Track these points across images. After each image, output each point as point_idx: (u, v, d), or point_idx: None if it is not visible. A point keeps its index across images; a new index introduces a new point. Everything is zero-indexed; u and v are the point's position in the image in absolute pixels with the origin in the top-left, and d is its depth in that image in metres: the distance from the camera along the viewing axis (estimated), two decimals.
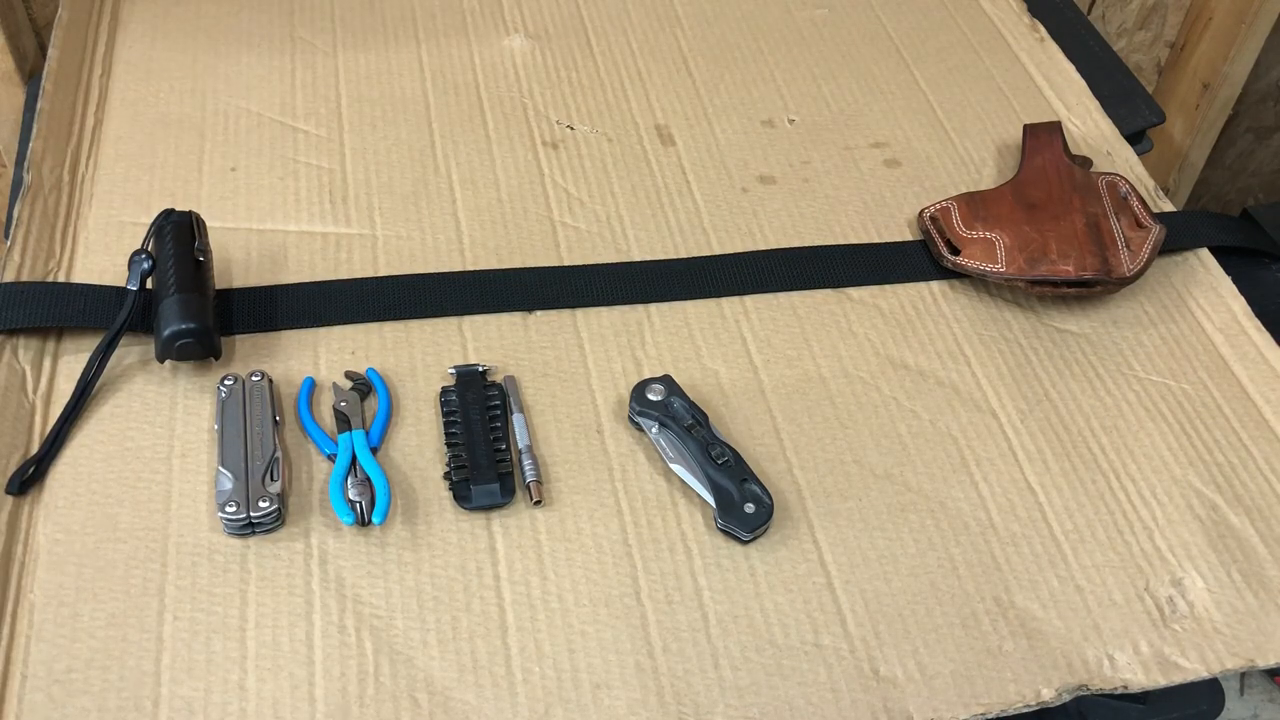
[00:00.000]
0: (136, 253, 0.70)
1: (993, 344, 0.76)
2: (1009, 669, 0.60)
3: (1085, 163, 0.86)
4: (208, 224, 0.76)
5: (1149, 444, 0.71)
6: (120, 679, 0.56)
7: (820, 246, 0.81)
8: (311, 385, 0.69)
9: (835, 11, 1.02)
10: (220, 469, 0.63)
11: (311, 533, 0.63)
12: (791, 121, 0.91)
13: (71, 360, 0.69)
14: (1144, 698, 0.79)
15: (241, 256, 0.77)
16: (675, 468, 0.66)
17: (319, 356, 0.71)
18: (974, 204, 0.81)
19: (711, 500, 0.64)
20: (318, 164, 0.84)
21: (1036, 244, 0.77)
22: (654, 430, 0.67)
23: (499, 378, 0.71)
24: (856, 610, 0.62)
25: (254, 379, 0.68)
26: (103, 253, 0.76)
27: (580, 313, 0.75)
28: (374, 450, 0.66)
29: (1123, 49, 1.41)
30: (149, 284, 0.70)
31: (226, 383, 0.67)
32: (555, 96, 0.91)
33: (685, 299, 0.77)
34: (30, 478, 0.63)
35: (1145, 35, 1.42)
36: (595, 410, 0.70)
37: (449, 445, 0.66)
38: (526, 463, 0.66)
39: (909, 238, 0.82)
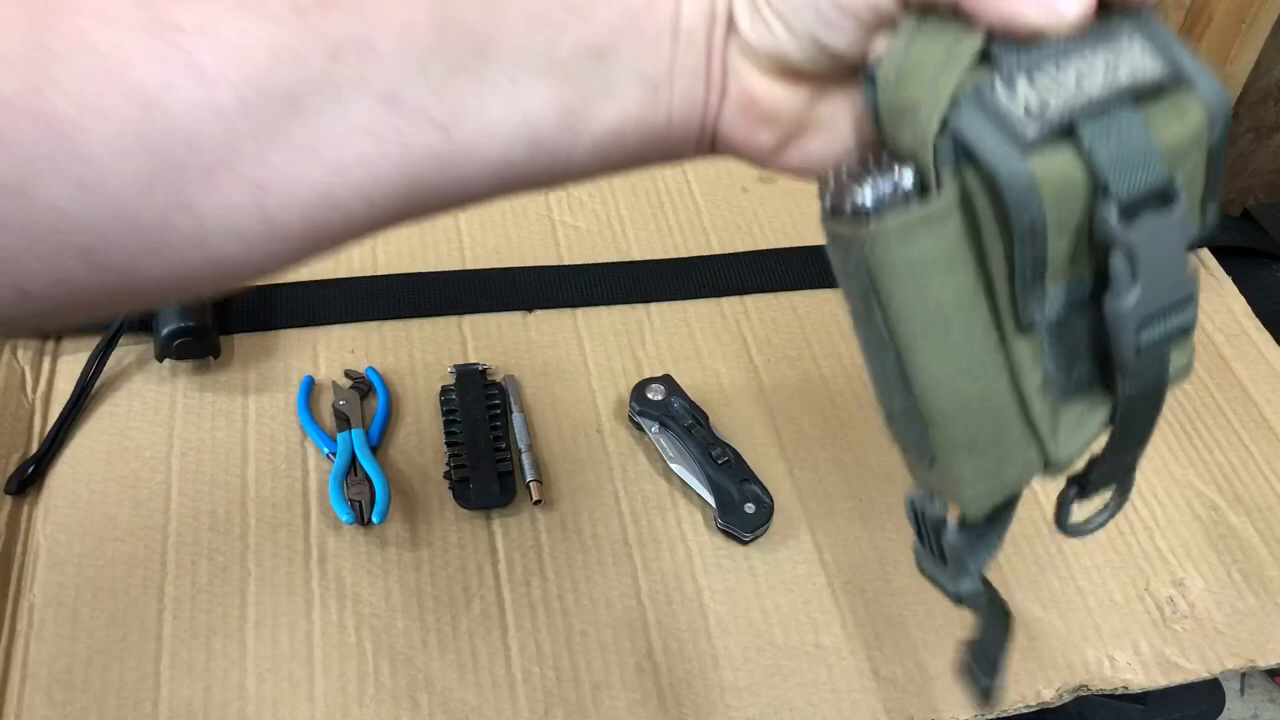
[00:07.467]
0: None
1: None
2: (1009, 669, 0.60)
3: None
4: None
5: (1149, 444, 0.71)
6: (120, 679, 0.56)
7: (820, 246, 0.80)
8: (310, 384, 0.69)
9: None
10: None
11: (311, 532, 0.62)
12: None
13: (70, 360, 0.69)
14: (1144, 698, 0.79)
15: None
16: (675, 468, 0.66)
17: (318, 355, 0.71)
18: None
19: (711, 500, 0.64)
20: None
21: None
22: (654, 430, 0.67)
23: (499, 377, 0.71)
24: (856, 610, 0.62)
25: None
26: None
27: (580, 312, 0.75)
28: (373, 449, 0.66)
29: None
30: None
31: None
32: None
33: (685, 299, 0.77)
34: (29, 478, 0.63)
35: None
36: (595, 410, 0.70)
37: (449, 444, 0.66)
38: (526, 462, 0.66)
39: None
